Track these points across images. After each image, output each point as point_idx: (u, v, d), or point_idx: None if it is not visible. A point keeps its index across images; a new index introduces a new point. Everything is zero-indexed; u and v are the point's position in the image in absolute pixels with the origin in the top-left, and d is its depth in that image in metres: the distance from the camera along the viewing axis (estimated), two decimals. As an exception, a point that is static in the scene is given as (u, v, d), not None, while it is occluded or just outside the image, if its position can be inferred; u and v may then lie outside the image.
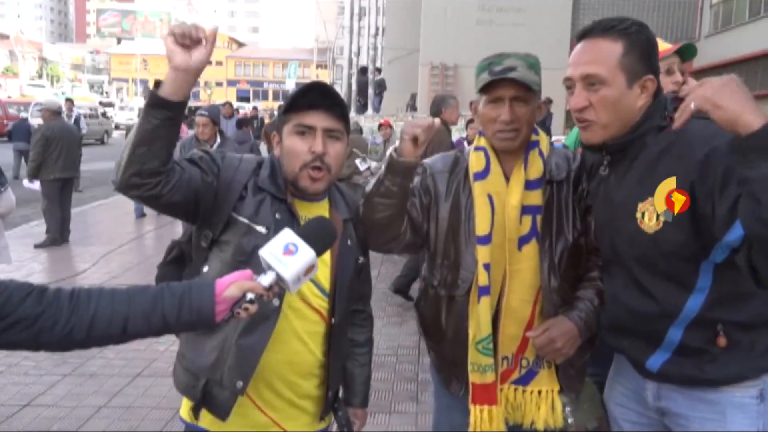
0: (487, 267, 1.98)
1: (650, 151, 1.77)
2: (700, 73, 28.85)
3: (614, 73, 1.76)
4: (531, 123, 1.99)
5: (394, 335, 5.42)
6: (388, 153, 1.89)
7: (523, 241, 1.98)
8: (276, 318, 1.79)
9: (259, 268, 1.53)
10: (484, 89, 1.96)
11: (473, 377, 2.03)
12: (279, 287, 1.51)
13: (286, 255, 1.46)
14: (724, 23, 27.76)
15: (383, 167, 1.89)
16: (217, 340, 1.78)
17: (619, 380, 2.07)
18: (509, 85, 1.92)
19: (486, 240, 1.98)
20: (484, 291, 1.98)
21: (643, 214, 1.74)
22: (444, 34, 24.30)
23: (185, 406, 1.91)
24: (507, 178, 2.02)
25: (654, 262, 1.76)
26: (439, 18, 24.67)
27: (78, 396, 4.18)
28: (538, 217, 1.99)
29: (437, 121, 1.85)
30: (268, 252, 1.47)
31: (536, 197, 1.99)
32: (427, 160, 2.14)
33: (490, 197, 2.00)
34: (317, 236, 1.55)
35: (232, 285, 1.45)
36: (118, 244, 8.75)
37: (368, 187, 1.94)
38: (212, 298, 1.43)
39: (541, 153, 2.03)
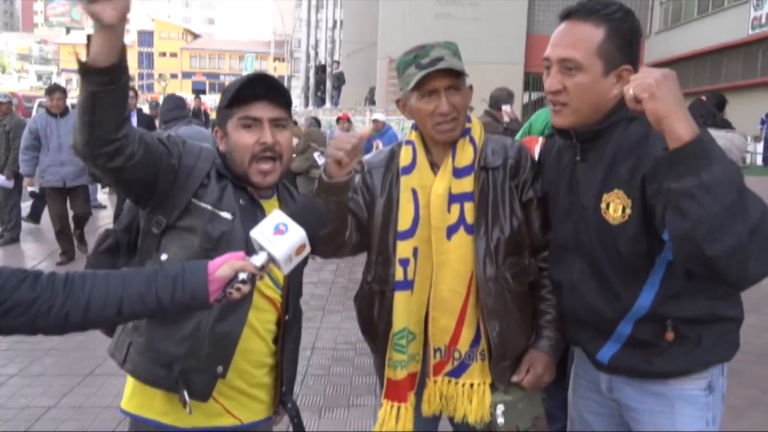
0: (404, 262, 1.99)
1: (620, 142, 1.74)
2: (652, 69, 29.47)
3: (592, 59, 1.72)
4: (465, 110, 1.99)
5: (352, 329, 5.40)
6: (319, 173, 1.87)
7: (452, 230, 1.97)
8: (250, 302, 1.79)
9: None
10: (417, 84, 1.93)
11: (387, 372, 2.06)
12: (271, 268, 1.53)
13: (277, 235, 1.49)
14: (674, 20, 28.42)
15: (316, 188, 1.87)
16: (188, 329, 1.76)
17: (579, 373, 2.09)
18: (442, 75, 1.91)
19: (406, 235, 2.00)
20: (400, 285, 2.00)
21: (607, 205, 1.73)
22: (402, 27, 24.30)
23: (132, 398, 1.88)
24: (438, 169, 2.02)
25: (614, 255, 1.75)
26: (397, 11, 24.68)
27: (25, 397, 4.06)
28: (467, 205, 1.97)
29: (365, 132, 1.84)
30: (259, 232, 1.50)
31: (466, 184, 1.98)
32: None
33: (414, 192, 2.01)
34: (307, 216, 1.57)
35: (224, 265, 1.48)
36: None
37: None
38: (205, 278, 1.46)
39: (472, 140, 2.02)
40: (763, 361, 4.81)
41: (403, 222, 2.00)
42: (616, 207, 1.71)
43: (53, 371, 4.45)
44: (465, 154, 2.00)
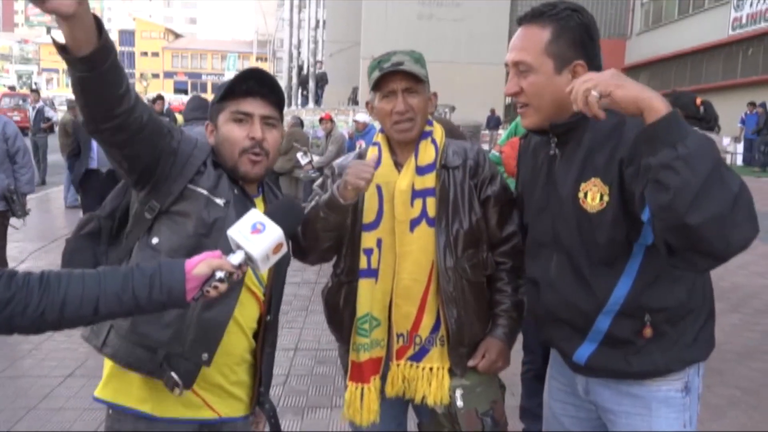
0: (368, 252, 2.12)
1: (595, 132, 1.77)
2: (633, 70, 29.75)
3: (540, 59, 1.78)
4: (424, 113, 2.13)
5: (335, 329, 5.40)
6: (330, 190, 2.00)
7: (414, 223, 2.10)
8: (239, 290, 1.80)
9: (219, 240, 1.61)
10: (377, 85, 2.09)
11: (351, 355, 2.18)
12: (248, 267, 1.54)
13: (254, 234, 1.50)
14: (655, 21, 28.70)
15: (324, 203, 2.00)
16: (174, 314, 1.74)
17: (554, 375, 2.10)
18: (400, 77, 2.06)
19: (370, 227, 2.13)
20: (363, 273, 2.13)
21: (585, 194, 1.75)
22: (385, 27, 24.36)
23: (108, 384, 1.84)
24: (402, 167, 2.15)
25: (592, 245, 1.76)
26: (380, 12, 24.73)
27: (5, 398, 4.01)
28: (429, 200, 2.11)
29: (374, 161, 2.06)
30: (237, 231, 1.51)
31: (428, 181, 2.12)
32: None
33: (378, 187, 2.13)
34: (284, 215, 1.58)
35: (201, 263, 1.48)
36: (49, 239, 8.45)
37: (308, 213, 2.04)
38: (182, 276, 1.46)
39: (433, 141, 2.16)
40: (744, 360, 4.86)
41: (368, 215, 2.13)
42: (593, 195, 1.73)
43: (33, 372, 4.40)
44: (427, 154, 2.14)
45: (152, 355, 1.75)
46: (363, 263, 2.12)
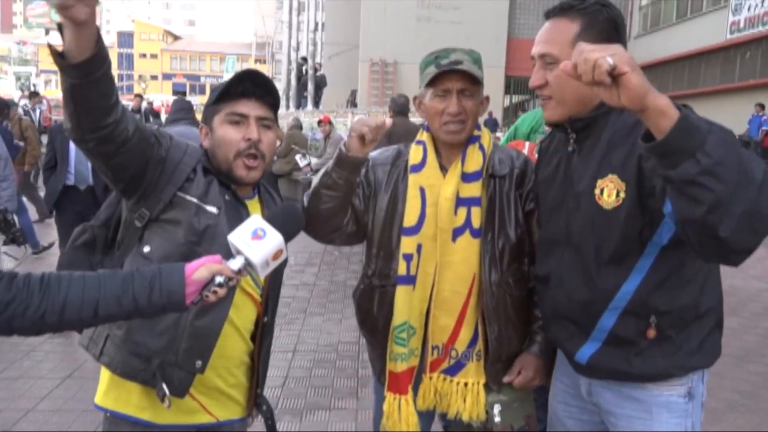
0: (407, 257, 2.04)
1: (615, 128, 1.75)
2: (631, 73, 29.75)
3: (568, 52, 1.70)
4: (476, 116, 2.05)
5: (334, 332, 5.40)
6: (339, 146, 1.93)
7: (457, 232, 2.02)
8: (232, 296, 1.79)
9: (211, 248, 1.62)
10: (432, 82, 1.99)
11: (389, 365, 2.10)
12: (248, 272, 1.54)
13: (255, 240, 1.50)
14: (653, 24, 28.73)
15: (333, 160, 1.93)
16: (167, 322, 1.75)
17: (558, 377, 2.08)
18: (457, 77, 1.97)
19: (411, 231, 2.04)
20: (402, 280, 2.05)
21: (602, 191, 1.73)
22: (384, 30, 24.37)
23: (108, 393, 1.85)
24: (446, 171, 2.06)
25: (604, 241, 1.74)
26: (378, 14, 24.72)
27: (4, 399, 4.01)
28: (474, 209, 2.02)
29: (388, 121, 1.86)
30: (237, 237, 1.51)
31: (473, 189, 2.03)
32: (372, 153, 2.17)
33: (422, 190, 2.05)
34: (285, 222, 1.58)
35: (201, 267, 1.48)
36: (45, 241, 8.44)
37: (316, 179, 1.99)
38: (182, 280, 1.46)
39: (481, 147, 2.07)
40: (742, 363, 4.88)
41: (409, 218, 2.05)
42: (610, 192, 1.72)
43: (32, 374, 4.40)
44: (474, 160, 2.05)
45: (146, 365, 1.75)
46: (402, 269, 2.04)
